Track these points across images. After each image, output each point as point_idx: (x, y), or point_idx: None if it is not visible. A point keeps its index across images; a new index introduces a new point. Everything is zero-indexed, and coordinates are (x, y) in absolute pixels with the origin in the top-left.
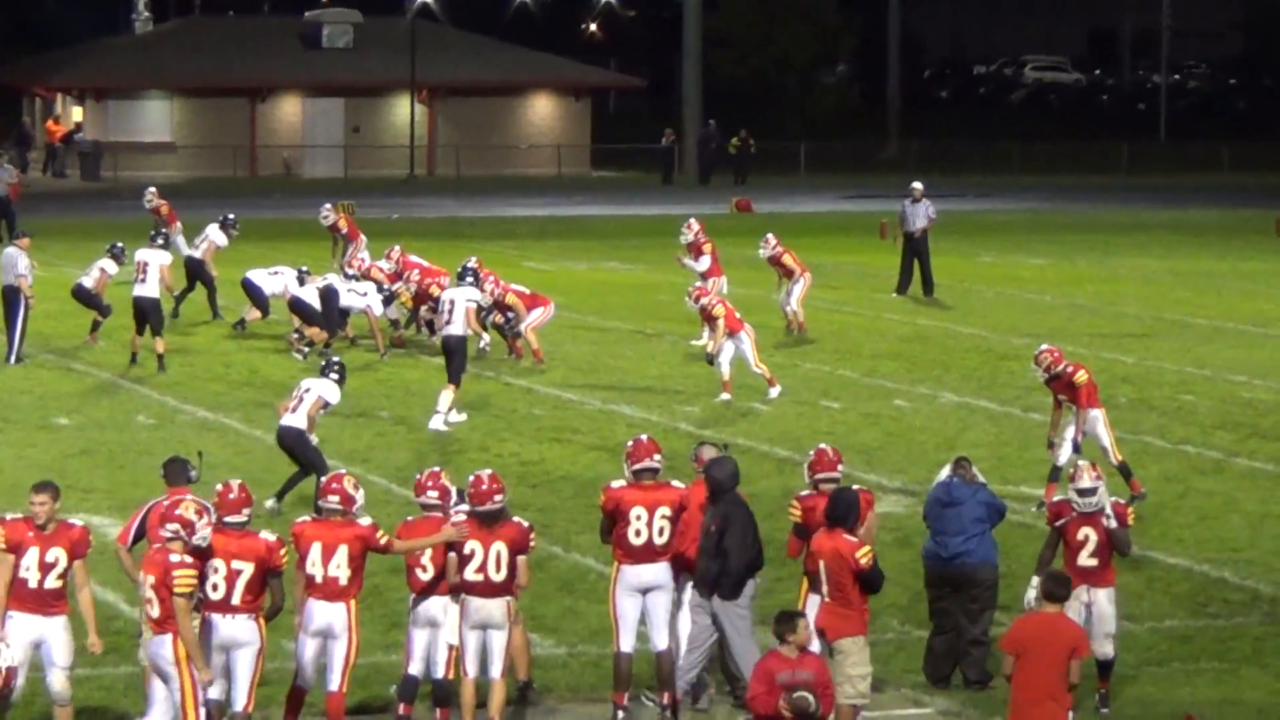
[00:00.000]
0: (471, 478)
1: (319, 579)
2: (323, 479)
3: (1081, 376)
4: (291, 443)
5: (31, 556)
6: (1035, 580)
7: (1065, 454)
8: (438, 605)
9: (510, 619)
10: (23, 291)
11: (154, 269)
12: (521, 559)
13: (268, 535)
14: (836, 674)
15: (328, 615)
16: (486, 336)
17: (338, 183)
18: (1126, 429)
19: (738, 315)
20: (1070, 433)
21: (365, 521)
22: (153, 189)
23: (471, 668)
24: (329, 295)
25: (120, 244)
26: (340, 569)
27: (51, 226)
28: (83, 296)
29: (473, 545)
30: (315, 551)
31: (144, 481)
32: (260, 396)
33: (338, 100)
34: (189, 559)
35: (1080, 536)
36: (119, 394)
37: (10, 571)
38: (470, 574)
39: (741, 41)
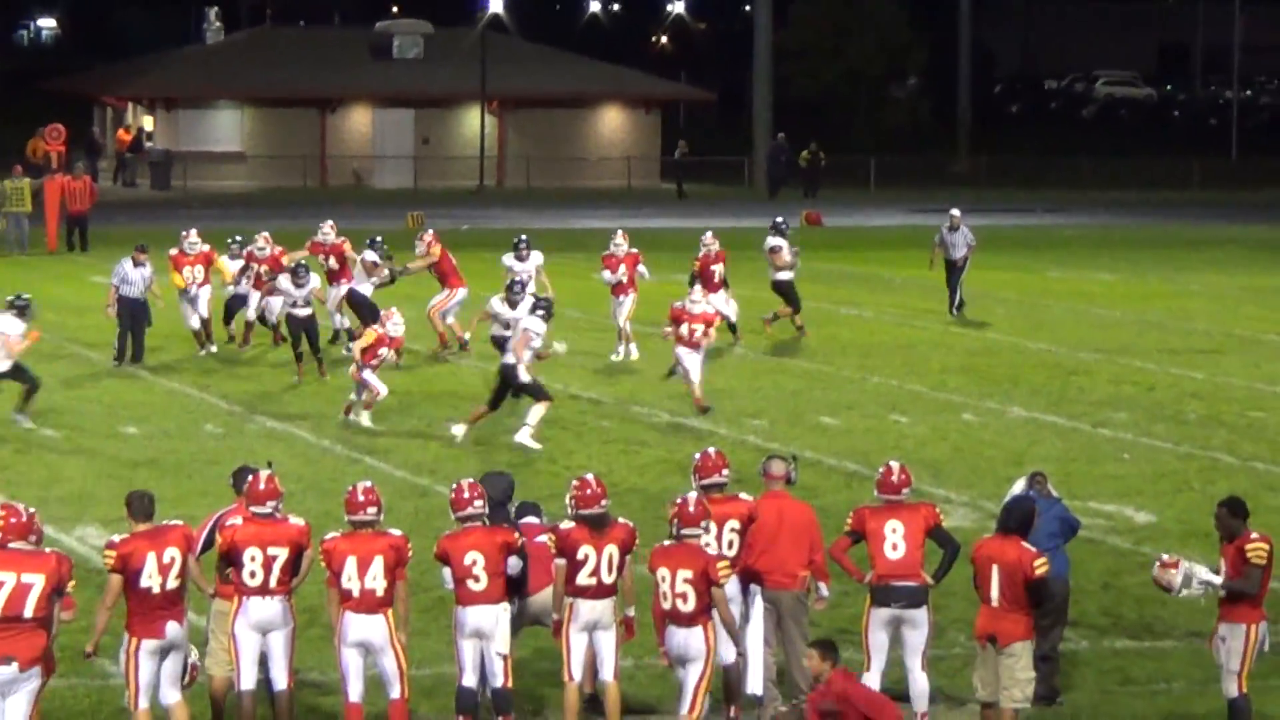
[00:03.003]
0: (576, 482)
1: (356, 593)
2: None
3: None
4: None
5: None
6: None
7: None
8: (488, 616)
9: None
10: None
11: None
12: (629, 559)
13: (297, 520)
14: (1005, 678)
15: (367, 628)
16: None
17: (407, 193)
18: (1195, 444)
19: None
20: None
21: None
22: None
23: (577, 672)
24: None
25: (379, 238)
26: (377, 580)
27: (124, 235)
28: (358, 301)
29: (586, 550)
30: (351, 565)
31: (212, 491)
32: (328, 407)
33: (408, 111)
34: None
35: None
36: (187, 403)
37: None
38: (583, 579)
39: (812, 54)
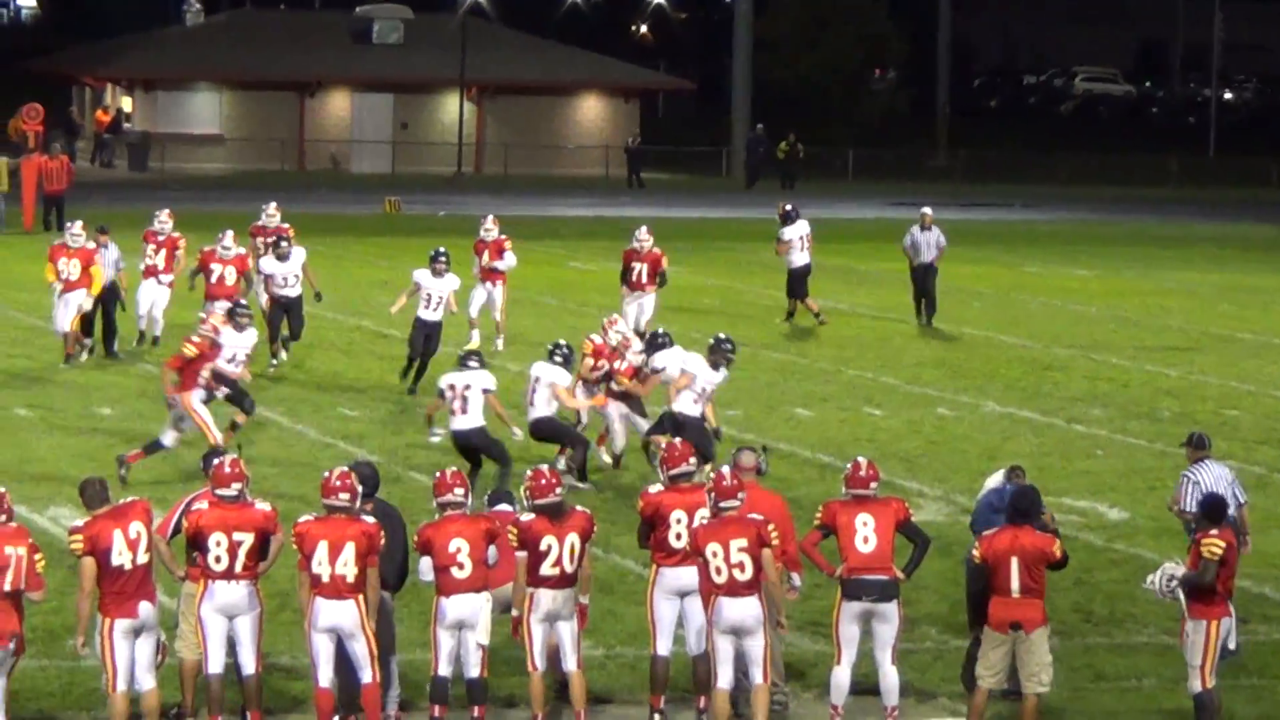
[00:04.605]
0: (529, 473)
1: (326, 578)
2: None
3: None
4: (478, 442)
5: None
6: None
7: None
8: (469, 606)
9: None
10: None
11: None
12: (588, 547)
13: (263, 505)
14: (1030, 664)
15: (337, 614)
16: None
17: (385, 178)
18: (1169, 442)
19: None
20: None
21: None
22: None
23: (540, 662)
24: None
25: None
26: (348, 566)
27: (101, 216)
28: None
29: (549, 540)
30: (322, 550)
31: (185, 474)
32: (302, 392)
33: (387, 96)
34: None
35: None
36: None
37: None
38: (547, 569)
39: (791, 46)
